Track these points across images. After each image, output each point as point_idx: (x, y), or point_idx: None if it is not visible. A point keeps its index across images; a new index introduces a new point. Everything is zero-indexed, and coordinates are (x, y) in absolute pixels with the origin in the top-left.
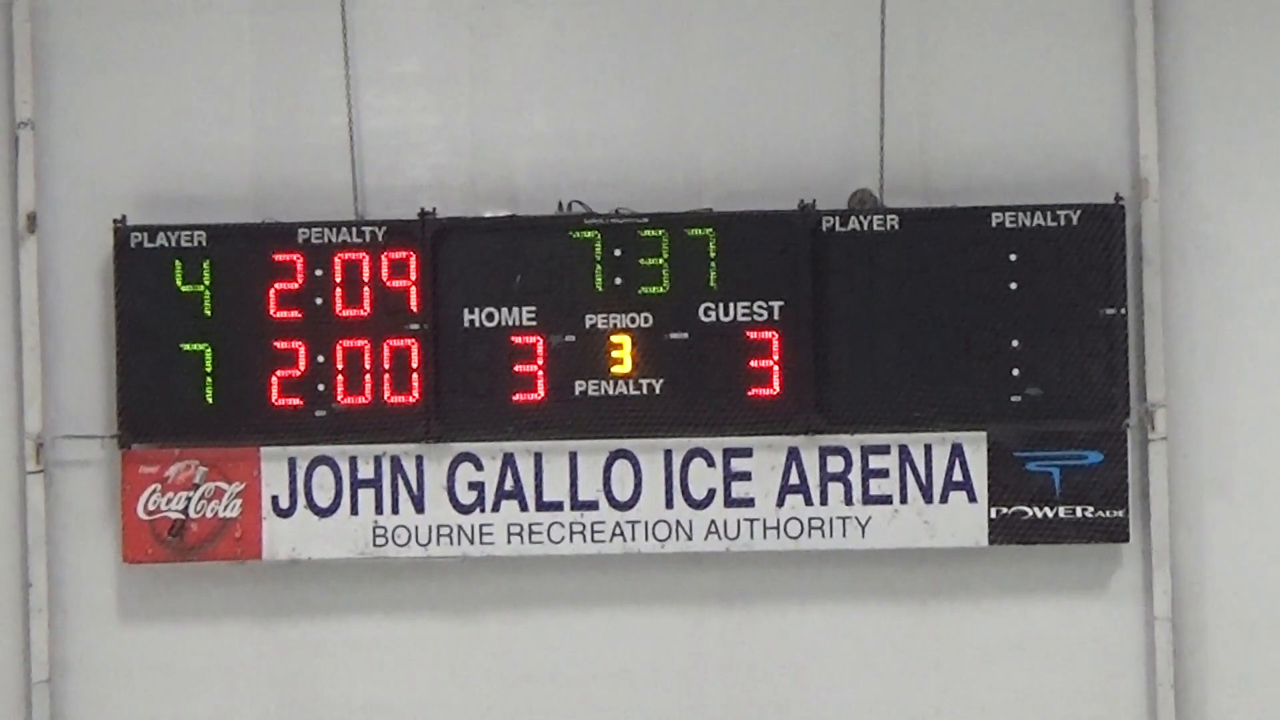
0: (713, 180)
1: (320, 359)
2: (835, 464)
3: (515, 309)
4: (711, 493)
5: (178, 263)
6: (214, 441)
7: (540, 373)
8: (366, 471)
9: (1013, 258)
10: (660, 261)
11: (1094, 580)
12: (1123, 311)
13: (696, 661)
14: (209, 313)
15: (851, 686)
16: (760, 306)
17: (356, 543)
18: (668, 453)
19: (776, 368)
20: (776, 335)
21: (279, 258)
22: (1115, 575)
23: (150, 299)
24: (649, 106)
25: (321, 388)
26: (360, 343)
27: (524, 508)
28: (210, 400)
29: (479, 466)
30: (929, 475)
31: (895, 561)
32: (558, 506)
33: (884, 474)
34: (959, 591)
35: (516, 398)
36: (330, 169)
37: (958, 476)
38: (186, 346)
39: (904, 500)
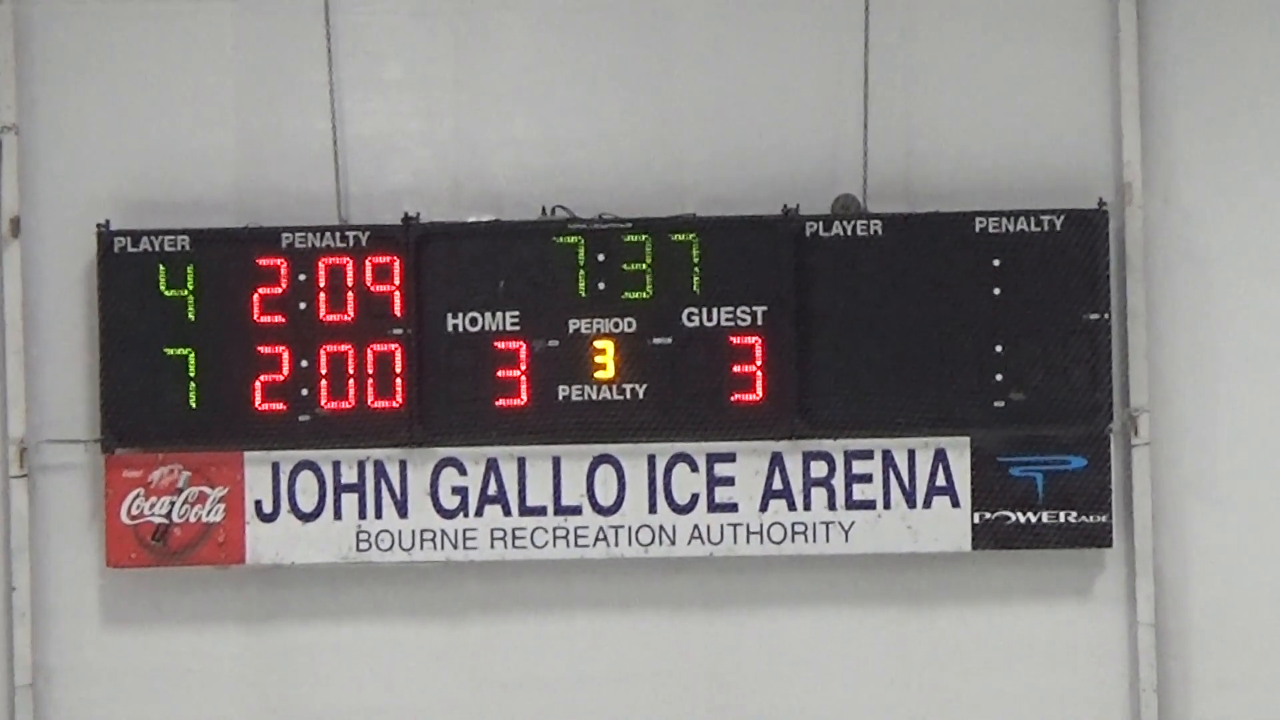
0: (696, 185)
1: (304, 363)
2: (818, 469)
3: (498, 314)
4: (695, 498)
5: (161, 267)
6: (197, 446)
7: (523, 378)
8: (350, 476)
9: (996, 263)
10: (644, 267)
11: (1077, 585)
12: (1106, 317)
13: (680, 666)
14: (192, 317)
15: (835, 691)
16: (744, 311)
17: (340, 547)
18: (651, 458)
19: (760, 373)
20: (760, 340)
21: (262, 262)
22: (1098, 580)
23: (134, 303)
24: (633, 112)
25: (305, 392)
26: (344, 347)
27: (507, 512)
28: (194, 405)
29: (462, 471)
30: (912, 480)
31: (878, 566)
32: (541, 511)
33: (867, 479)
34: (942, 596)
35: (500, 403)
36: (314, 174)
37: (941, 481)
38: (170, 351)
39: (887, 505)
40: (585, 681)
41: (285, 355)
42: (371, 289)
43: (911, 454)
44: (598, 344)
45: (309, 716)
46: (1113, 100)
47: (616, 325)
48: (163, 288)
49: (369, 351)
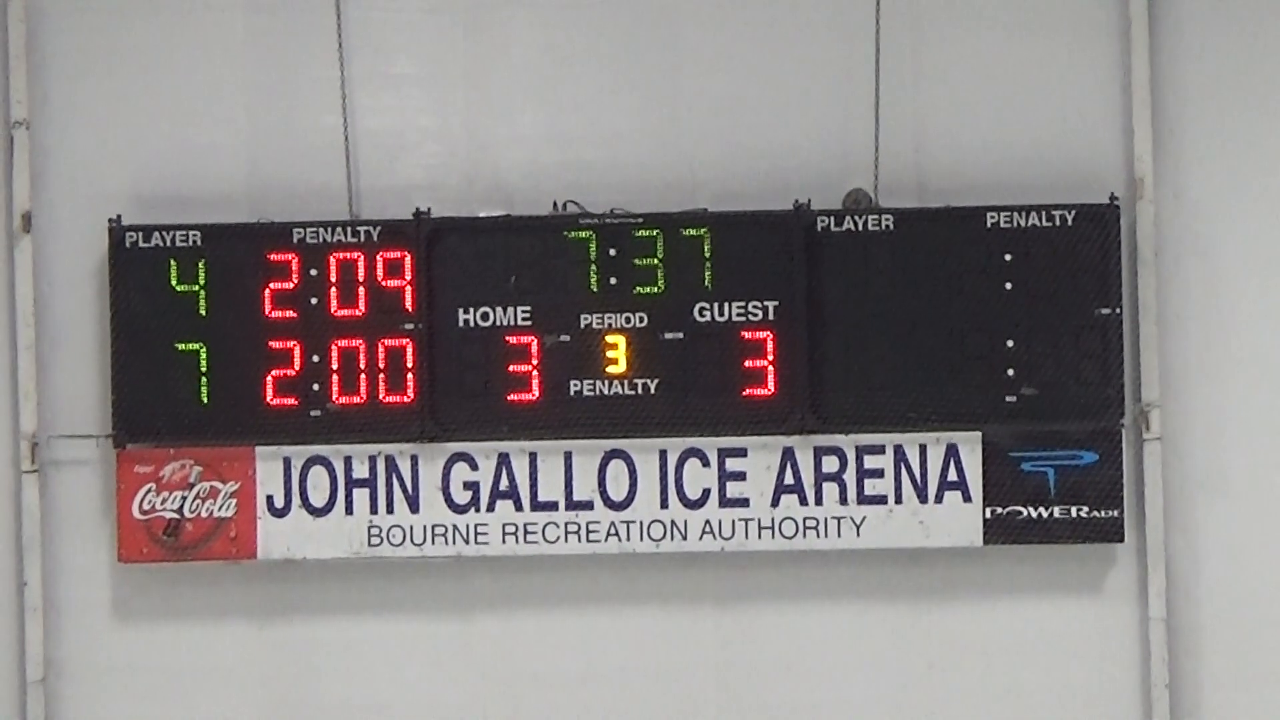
0: (708, 180)
1: (315, 359)
2: (830, 464)
3: (510, 309)
4: (706, 493)
5: (173, 262)
6: (209, 441)
7: (535, 373)
8: (361, 471)
9: (1008, 258)
10: (655, 261)
11: (1089, 580)
12: (1117, 311)
13: (691, 662)
14: (204, 312)
15: (846, 687)
16: (755, 306)
17: (351, 542)
18: (663, 453)
19: (771, 368)
20: (771, 335)
21: (274, 257)
22: (1110, 575)
23: (145, 298)
24: (644, 107)
25: (316, 387)
26: (355, 342)
27: (519, 507)
28: (205, 400)
29: (474, 466)
30: (924, 475)
31: (890, 561)
32: (552, 506)
33: (879, 474)
34: (954, 591)
35: (511, 397)
36: (325, 169)
37: (952, 476)
38: (181, 346)
39: (899, 500)
40: (596, 676)
41: (297, 350)
42: (383, 284)
43: (923, 449)
44: (609, 339)
45: (319, 711)
46: (1124, 95)
47: (628, 320)
48: (174, 283)
49: (380, 346)
